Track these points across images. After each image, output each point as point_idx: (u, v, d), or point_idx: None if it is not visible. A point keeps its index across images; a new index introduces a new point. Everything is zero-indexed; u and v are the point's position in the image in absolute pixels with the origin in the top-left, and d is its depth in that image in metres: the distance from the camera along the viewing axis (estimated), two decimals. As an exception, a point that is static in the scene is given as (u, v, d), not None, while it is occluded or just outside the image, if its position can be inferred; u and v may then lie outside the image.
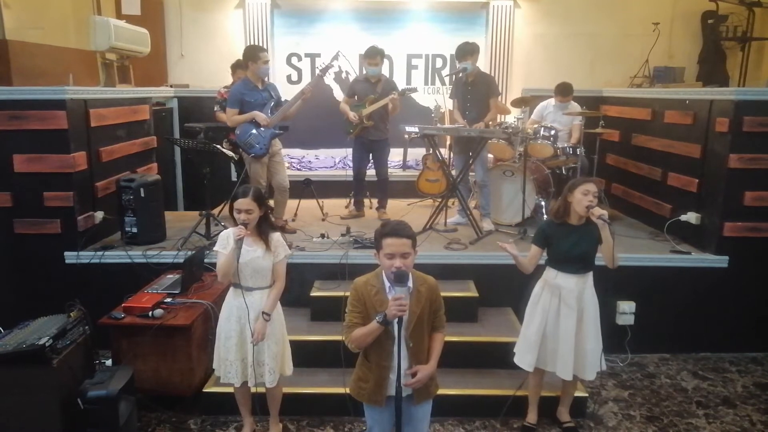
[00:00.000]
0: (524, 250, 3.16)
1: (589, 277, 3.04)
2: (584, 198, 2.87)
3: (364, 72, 5.07)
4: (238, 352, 2.90)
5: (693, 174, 4.35)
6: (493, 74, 6.22)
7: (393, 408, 2.25)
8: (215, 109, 5.33)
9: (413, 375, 2.23)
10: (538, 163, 5.12)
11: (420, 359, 2.29)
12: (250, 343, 2.85)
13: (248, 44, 6.02)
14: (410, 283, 2.23)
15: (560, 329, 3.02)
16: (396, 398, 2.18)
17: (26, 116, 3.88)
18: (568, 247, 2.97)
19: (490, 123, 4.94)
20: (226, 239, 2.85)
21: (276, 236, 2.91)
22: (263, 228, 2.86)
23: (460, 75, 4.88)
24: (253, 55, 4.46)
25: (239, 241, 2.73)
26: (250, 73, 4.52)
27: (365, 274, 2.35)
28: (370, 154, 5.22)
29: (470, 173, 5.19)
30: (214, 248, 2.91)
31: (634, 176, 5.28)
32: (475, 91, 4.86)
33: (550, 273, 3.08)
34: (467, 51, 4.75)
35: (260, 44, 6.31)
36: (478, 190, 5.06)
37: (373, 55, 4.91)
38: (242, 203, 2.76)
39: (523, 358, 3.14)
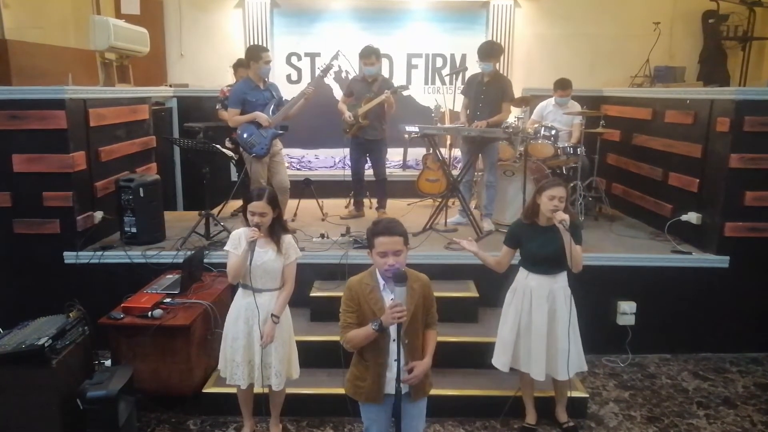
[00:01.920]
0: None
1: (561, 277, 3.03)
2: (549, 202, 2.87)
3: (362, 72, 5.07)
4: (245, 353, 2.89)
5: (694, 174, 4.34)
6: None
7: (390, 406, 2.27)
8: (217, 107, 5.31)
9: (409, 371, 2.24)
10: (539, 163, 5.11)
11: (415, 356, 2.30)
12: (258, 345, 2.84)
13: (249, 44, 6.03)
14: None
15: (532, 330, 3.02)
16: (396, 396, 2.19)
17: (25, 116, 3.88)
18: (537, 247, 2.98)
19: (499, 125, 4.91)
20: (237, 239, 2.84)
21: (288, 238, 2.91)
22: (275, 230, 2.85)
23: (475, 73, 4.83)
24: (256, 54, 4.46)
25: (252, 243, 2.72)
26: (252, 72, 4.52)
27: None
28: (368, 154, 5.21)
29: (479, 172, 5.17)
30: (225, 248, 2.90)
31: (634, 176, 5.27)
32: (490, 93, 4.81)
33: (521, 274, 3.09)
34: (493, 52, 4.71)
35: (260, 44, 6.30)
36: (480, 190, 5.04)
37: (368, 55, 4.91)
38: (257, 206, 2.75)
39: (498, 359, 3.15)
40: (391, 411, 2.27)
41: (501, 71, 6.55)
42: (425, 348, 2.34)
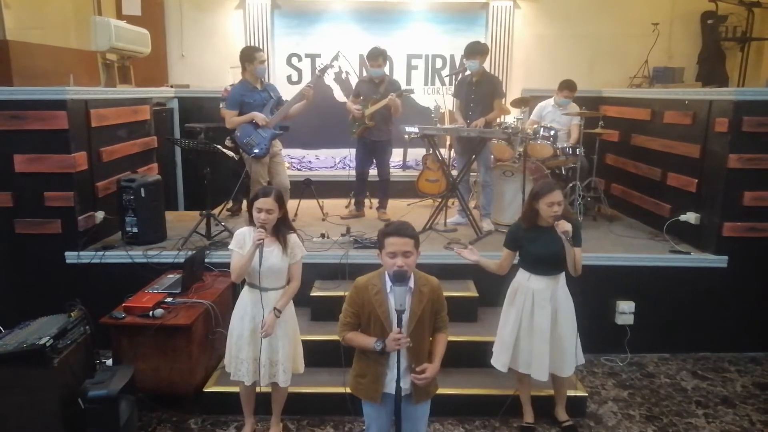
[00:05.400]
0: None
1: (561, 277, 3.05)
2: (549, 209, 2.86)
3: (368, 73, 5.08)
4: (250, 350, 2.91)
5: (692, 174, 4.36)
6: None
7: (391, 406, 2.28)
8: (220, 105, 5.30)
9: (420, 373, 2.24)
10: (538, 164, 5.12)
11: (420, 359, 2.30)
12: (258, 334, 2.85)
13: (249, 44, 6.04)
14: (411, 284, 2.25)
15: (534, 331, 3.02)
16: (396, 398, 2.20)
17: (27, 116, 3.89)
18: (539, 249, 2.97)
19: (493, 123, 4.93)
20: (242, 238, 2.86)
21: (293, 237, 2.93)
22: (281, 229, 2.87)
23: (464, 75, 4.86)
24: (249, 55, 4.48)
25: (260, 245, 2.73)
26: (248, 74, 4.55)
27: (366, 273, 2.37)
28: (373, 155, 5.23)
29: (472, 173, 5.19)
30: (229, 246, 2.91)
31: (633, 176, 5.29)
32: (480, 92, 4.85)
33: (522, 275, 3.09)
34: (477, 50, 4.74)
35: (260, 44, 6.32)
36: (479, 190, 5.06)
37: (375, 57, 4.92)
38: (264, 203, 2.76)
39: (498, 359, 3.16)
40: (392, 411, 2.27)
41: (501, 71, 6.59)
42: (434, 351, 2.34)
